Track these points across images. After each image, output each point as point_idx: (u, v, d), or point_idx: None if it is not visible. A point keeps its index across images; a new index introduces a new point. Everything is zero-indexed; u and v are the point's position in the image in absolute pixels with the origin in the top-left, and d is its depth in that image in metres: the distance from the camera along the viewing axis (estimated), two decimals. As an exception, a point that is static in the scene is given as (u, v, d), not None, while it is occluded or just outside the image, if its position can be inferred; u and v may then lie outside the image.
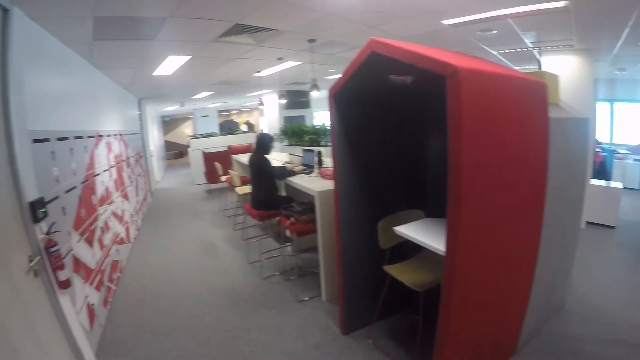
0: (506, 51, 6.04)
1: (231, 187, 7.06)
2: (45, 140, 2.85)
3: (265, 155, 4.53)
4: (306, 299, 3.87)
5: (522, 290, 2.63)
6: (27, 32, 2.73)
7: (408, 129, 3.24)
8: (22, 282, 2.23)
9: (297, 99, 12.97)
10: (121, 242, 5.18)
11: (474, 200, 1.96)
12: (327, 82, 9.36)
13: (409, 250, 2.93)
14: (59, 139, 3.16)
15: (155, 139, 14.30)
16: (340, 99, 2.81)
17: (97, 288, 3.63)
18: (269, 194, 4.59)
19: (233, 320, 3.59)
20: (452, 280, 2.05)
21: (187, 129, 23.30)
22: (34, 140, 2.64)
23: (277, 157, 6.87)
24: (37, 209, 2.44)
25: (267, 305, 3.81)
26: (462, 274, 2.07)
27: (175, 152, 22.71)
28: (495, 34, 4.82)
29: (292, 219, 3.92)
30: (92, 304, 3.36)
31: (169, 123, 22.90)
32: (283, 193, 4.89)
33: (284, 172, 4.56)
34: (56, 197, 2.88)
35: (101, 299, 3.68)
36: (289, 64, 6.71)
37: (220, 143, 11.80)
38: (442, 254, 2.08)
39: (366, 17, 3.89)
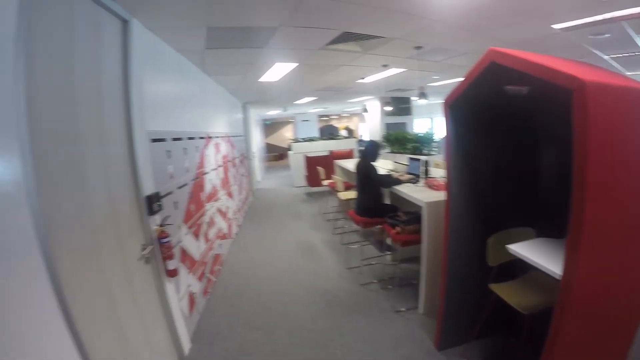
0: (618, 55, 5.36)
1: (333, 191, 7.10)
2: (162, 140, 3.10)
3: (372, 163, 4.50)
4: (402, 309, 3.74)
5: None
6: (144, 41, 2.96)
7: (519, 142, 2.98)
8: (134, 267, 2.45)
9: (398, 105, 12.74)
10: (224, 237, 5.49)
11: (598, 222, 1.73)
12: (431, 89, 9.09)
13: (516, 269, 2.71)
14: (174, 139, 3.42)
15: (257, 141, 15.01)
16: (456, 108, 2.68)
17: (199, 278, 3.86)
18: (374, 201, 4.54)
19: (327, 322, 3.58)
20: (567, 306, 1.83)
21: (287, 133, 24.15)
22: (152, 139, 2.87)
23: (381, 165, 6.79)
24: (153, 203, 2.66)
25: (362, 312, 3.75)
26: (578, 301, 1.83)
27: (275, 154, 23.64)
28: (607, 38, 4.31)
29: (398, 229, 3.82)
30: (194, 293, 3.58)
31: (269, 126, 23.92)
32: (387, 201, 4.80)
33: (391, 180, 4.48)
34: (170, 193, 3.11)
35: (202, 288, 3.91)
36: (393, 71, 6.59)
37: (321, 147, 11.97)
38: (558, 277, 1.87)
39: (474, 23, 3.67)
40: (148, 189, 2.66)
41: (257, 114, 16.86)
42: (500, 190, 2.97)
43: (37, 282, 1.43)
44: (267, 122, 23.52)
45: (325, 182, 7.74)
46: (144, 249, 2.56)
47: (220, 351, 3.18)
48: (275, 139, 24.33)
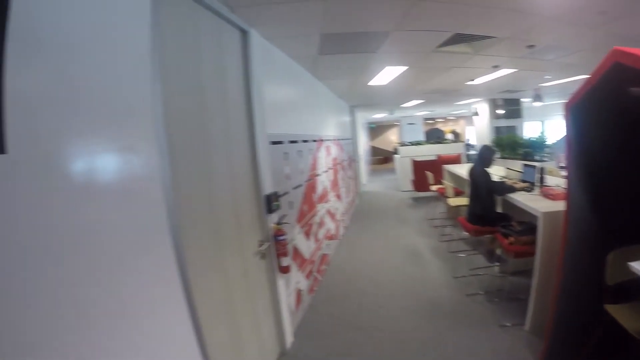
0: None
1: (441, 197, 6.85)
2: (280, 142, 3.24)
3: (486, 169, 4.25)
4: (508, 324, 3.45)
5: None
6: (262, 50, 3.10)
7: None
8: (251, 262, 2.58)
9: (507, 107, 11.79)
10: (331, 238, 5.59)
11: None
12: (542, 89, 8.32)
13: (635, 290, 2.33)
14: (290, 142, 3.55)
15: (362, 144, 15.07)
16: (578, 112, 2.40)
17: (307, 277, 3.96)
18: (486, 209, 4.29)
19: (429, 330, 3.44)
20: None
21: (392, 136, 23.83)
22: (271, 142, 3.01)
23: (493, 171, 6.40)
24: (271, 202, 2.79)
25: (466, 323, 3.54)
26: None
27: (380, 158, 23.45)
28: None
29: (511, 239, 3.56)
30: (301, 290, 3.68)
31: (374, 129, 23.79)
32: (499, 209, 4.49)
33: (505, 187, 4.19)
34: (286, 193, 3.25)
35: (308, 286, 4.01)
36: (504, 72, 6.17)
37: (428, 151, 11.59)
38: None
39: (588, 19, 3.26)
40: (267, 188, 2.79)
41: (363, 117, 16.94)
42: (622, 202, 2.59)
43: (168, 271, 1.56)
44: (372, 125, 23.44)
45: (434, 188, 7.47)
46: (260, 245, 2.69)
47: (320, 348, 3.22)
48: (380, 142, 24.17)
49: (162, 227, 1.53)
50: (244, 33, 2.79)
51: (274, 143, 3.10)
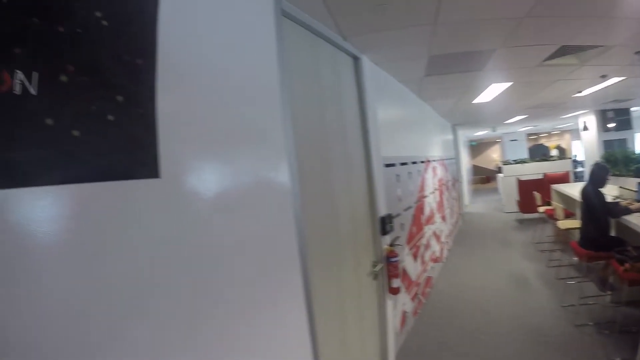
0: None
1: (549, 219, 6.34)
2: (392, 165, 3.28)
3: (600, 189, 3.89)
4: (618, 360, 3.10)
5: None
6: (372, 74, 3.18)
7: None
8: (364, 282, 2.63)
9: (616, 118, 10.26)
10: (436, 260, 5.45)
11: None
12: None
13: None
14: (401, 164, 3.58)
15: (464, 163, 14.46)
16: None
17: (412, 299, 3.91)
18: (600, 233, 3.90)
19: (533, 361, 3.22)
20: None
21: (494, 154, 22.47)
22: (385, 164, 3.07)
23: (605, 190, 5.80)
24: (385, 223, 2.84)
25: (572, 356, 3.23)
26: None
27: (482, 177, 22.18)
28: None
29: (627, 265, 3.22)
30: (406, 312, 3.64)
31: (475, 147, 22.58)
32: (612, 233, 4.07)
33: (620, 209, 3.79)
34: (398, 214, 3.27)
35: (413, 308, 3.95)
36: (612, 81, 5.62)
37: (533, 170, 10.73)
38: None
39: None
40: (382, 210, 2.85)
41: (464, 135, 16.31)
42: None
43: (293, 285, 1.68)
44: (473, 143, 22.34)
45: (541, 209, 6.92)
46: (374, 265, 2.73)
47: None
48: (481, 161, 22.91)
49: (292, 244, 1.67)
50: (356, 59, 2.90)
51: (387, 165, 3.15)
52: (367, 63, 3.05)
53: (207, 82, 1.37)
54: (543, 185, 8.72)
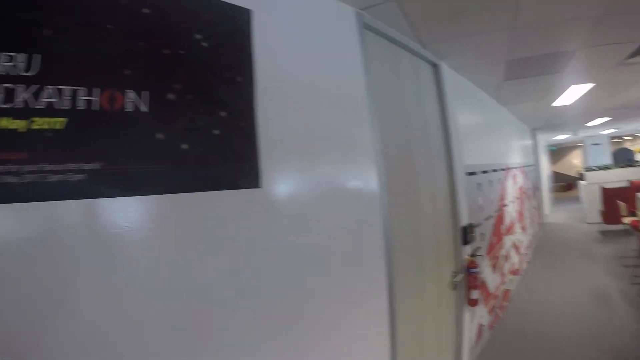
0: None
1: (635, 231, 5.74)
2: (474, 173, 3.15)
3: None
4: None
5: None
6: (451, 81, 3.09)
7: None
8: (443, 291, 2.55)
9: None
10: (514, 272, 5.15)
11: None
12: None
13: None
14: (482, 172, 3.43)
15: (544, 169, 13.50)
16: None
17: (490, 312, 3.72)
18: None
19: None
20: None
21: (575, 159, 20.66)
22: (467, 173, 2.96)
23: None
24: (467, 233, 2.73)
25: None
26: None
27: (562, 184, 20.46)
28: None
29: None
30: (482, 325, 3.47)
31: (555, 152, 20.83)
32: None
33: None
34: (479, 224, 3.14)
35: (489, 322, 3.76)
36: None
37: (618, 177, 9.65)
38: None
39: None
40: (464, 219, 2.75)
41: (544, 140, 15.28)
42: None
43: (377, 290, 1.70)
44: (553, 148, 20.66)
45: (627, 220, 6.27)
46: (454, 276, 2.64)
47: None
48: (561, 167, 21.13)
49: (379, 251, 1.68)
50: (436, 66, 2.85)
51: (469, 174, 3.04)
52: (446, 70, 2.99)
53: (299, 96, 1.42)
54: (628, 193, 7.84)
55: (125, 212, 1.03)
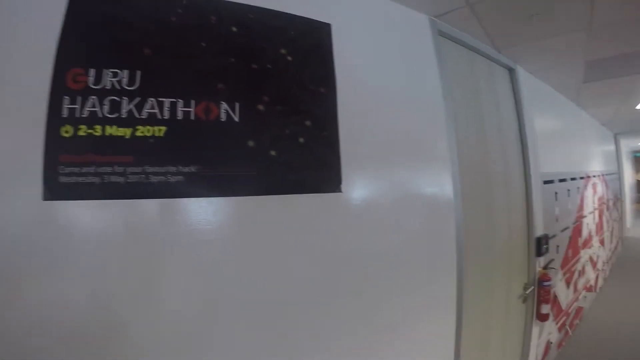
0: None
1: None
2: (550, 181, 3.00)
3: None
4: None
5: None
6: (528, 85, 2.96)
7: None
8: (513, 303, 2.47)
9: None
10: (589, 289, 4.81)
11: None
12: None
13: None
14: (560, 180, 3.25)
15: (626, 178, 12.36)
16: None
17: (559, 329, 3.52)
18: None
19: None
20: None
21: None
22: (544, 181, 2.82)
23: None
24: (541, 244, 2.62)
25: None
26: None
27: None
28: None
29: None
30: (550, 342, 3.29)
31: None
32: None
33: None
34: (554, 235, 2.98)
35: (558, 340, 3.55)
36: None
37: None
38: None
39: None
40: (538, 230, 2.64)
41: (627, 146, 14.02)
42: None
43: (447, 293, 1.70)
44: (638, 155, 18.82)
45: None
46: (525, 288, 2.54)
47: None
48: (645, 175, 19.26)
49: (451, 257, 1.68)
50: (511, 71, 2.75)
51: (546, 182, 2.90)
52: (522, 73, 2.88)
53: (377, 103, 1.47)
54: None
55: (217, 211, 1.13)
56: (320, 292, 1.24)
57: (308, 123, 1.26)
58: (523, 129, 2.66)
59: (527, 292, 2.54)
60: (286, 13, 1.33)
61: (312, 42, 1.35)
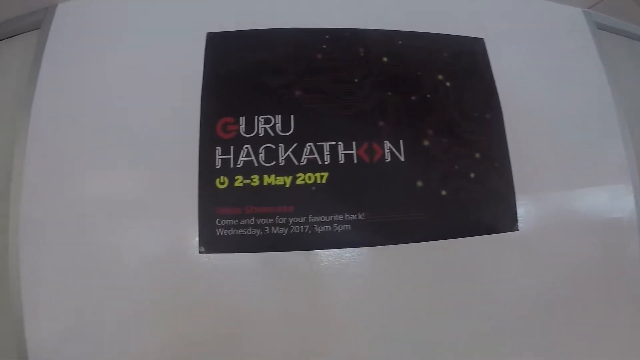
0: None
1: None
2: None
3: None
4: None
5: None
6: None
7: None
8: None
9: None
10: None
11: None
12: None
13: None
14: None
15: None
16: None
17: None
18: None
19: None
20: None
21: None
22: None
23: None
24: None
25: None
26: None
27: None
28: None
29: None
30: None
31: None
32: None
33: None
34: None
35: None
36: None
37: None
38: None
39: None
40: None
41: None
42: None
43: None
44: None
45: None
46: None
47: None
48: None
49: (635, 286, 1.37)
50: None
51: None
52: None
53: (542, 119, 1.26)
54: None
55: (385, 260, 1.03)
56: (500, 338, 1.08)
57: (477, 155, 1.10)
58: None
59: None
60: (435, 34, 1.18)
61: (468, 62, 1.19)
